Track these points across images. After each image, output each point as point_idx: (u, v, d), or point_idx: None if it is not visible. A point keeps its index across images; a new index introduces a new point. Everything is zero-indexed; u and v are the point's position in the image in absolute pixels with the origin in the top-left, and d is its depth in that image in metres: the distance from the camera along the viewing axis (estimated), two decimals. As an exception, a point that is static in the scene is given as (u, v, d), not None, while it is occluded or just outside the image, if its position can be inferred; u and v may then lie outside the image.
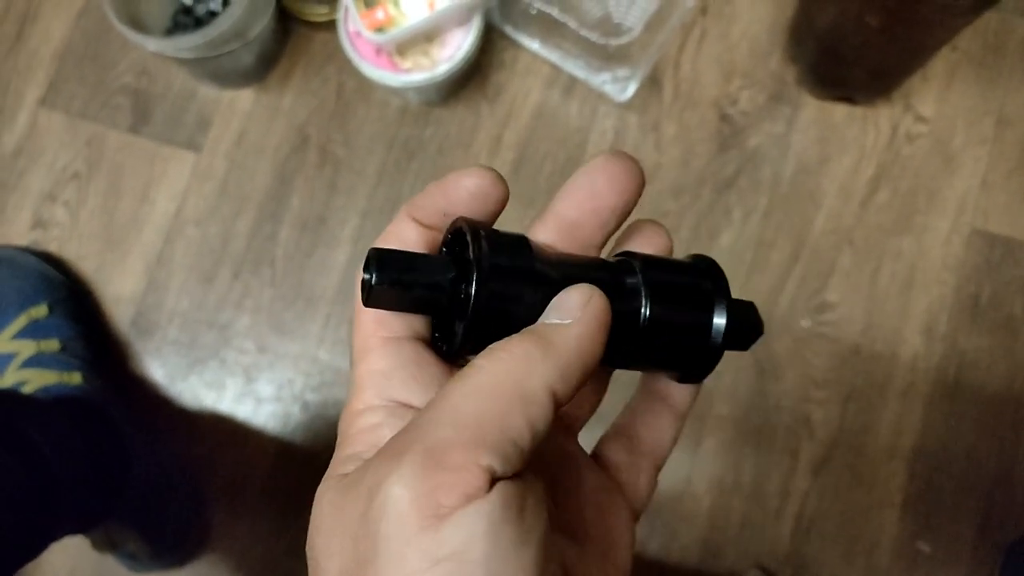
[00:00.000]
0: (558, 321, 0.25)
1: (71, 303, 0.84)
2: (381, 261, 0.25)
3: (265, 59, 0.88)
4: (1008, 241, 0.85)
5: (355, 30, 0.80)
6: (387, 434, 0.25)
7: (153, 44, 0.76)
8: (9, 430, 0.65)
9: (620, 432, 0.32)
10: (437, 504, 0.21)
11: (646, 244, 0.30)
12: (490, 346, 0.24)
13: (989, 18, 0.88)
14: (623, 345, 0.27)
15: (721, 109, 0.88)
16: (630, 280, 0.28)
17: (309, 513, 0.25)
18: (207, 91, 0.90)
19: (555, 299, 0.25)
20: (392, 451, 0.23)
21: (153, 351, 0.87)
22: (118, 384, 0.85)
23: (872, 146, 0.87)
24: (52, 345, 0.79)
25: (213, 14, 0.86)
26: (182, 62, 0.82)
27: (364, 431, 0.26)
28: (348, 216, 0.88)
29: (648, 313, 0.27)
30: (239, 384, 0.86)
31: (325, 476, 0.26)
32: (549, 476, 0.29)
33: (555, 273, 0.26)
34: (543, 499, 0.24)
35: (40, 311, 0.81)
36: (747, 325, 0.29)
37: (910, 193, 0.86)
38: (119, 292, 0.88)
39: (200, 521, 0.85)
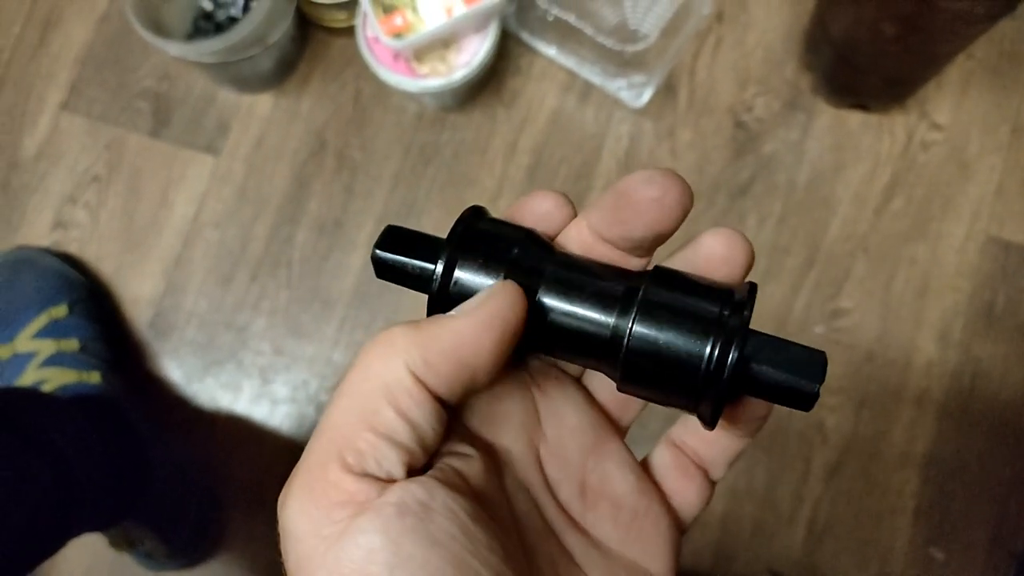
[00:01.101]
0: (454, 313, 0.24)
1: (90, 304, 0.85)
2: (388, 238, 0.27)
3: (284, 64, 0.89)
4: (1023, 249, 0.85)
5: (373, 35, 0.81)
6: None
7: (174, 48, 0.77)
8: (28, 428, 0.66)
9: (674, 440, 0.30)
10: (331, 521, 0.21)
11: (713, 254, 0.26)
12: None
13: (1005, 26, 0.88)
14: (608, 365, 0.26)
15: (736, 116, 0.88)
16: (627, 296, 0.25)
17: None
18: (226, 96, 0.91)
19: None
20: (289, 478, 0.23)
21: (171, 352, 0.88)
22: (136, 384, 0.86)
23: (887, 153, 0.87)
24: (71, 345, 0.80)
25: (233, 20, 0.87)
26: (202, 67, 0.83)
27: None
28: (364, 220, 0.88)
29: (631, 333, 0.24)
30: (255, 385, 0.87)
31: None
32: (576, 470, 0.28)
33: (537, 267, 0.26)
34: (465, 492, 0.23)
35: (60, 311, 0.82)
36: (783, 372, 0.24)
37: (925, 200, 0.86)
38: (138, 293, 0.89)
39: (216, 521, 0.85)
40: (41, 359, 0.79)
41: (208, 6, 0.88)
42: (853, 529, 0.82)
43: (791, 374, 0.24)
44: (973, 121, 0.87)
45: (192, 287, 0.89)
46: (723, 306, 0.24)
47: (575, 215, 0.28)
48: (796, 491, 0.83)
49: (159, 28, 0.81)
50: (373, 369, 0.23)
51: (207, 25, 0.88)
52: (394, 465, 0.22)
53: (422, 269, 0.26)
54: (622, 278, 0.26)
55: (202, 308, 0.88)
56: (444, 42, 0.81)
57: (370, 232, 0.88)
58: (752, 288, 0.25)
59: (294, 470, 0.23)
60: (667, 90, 0.88)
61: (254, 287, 0.88)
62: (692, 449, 0.29)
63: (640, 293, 0.24)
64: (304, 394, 0.86)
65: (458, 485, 0.23)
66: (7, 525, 0.58)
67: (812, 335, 0.84)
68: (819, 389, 0.23)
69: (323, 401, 0.86)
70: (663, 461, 0.30)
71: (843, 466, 0.83)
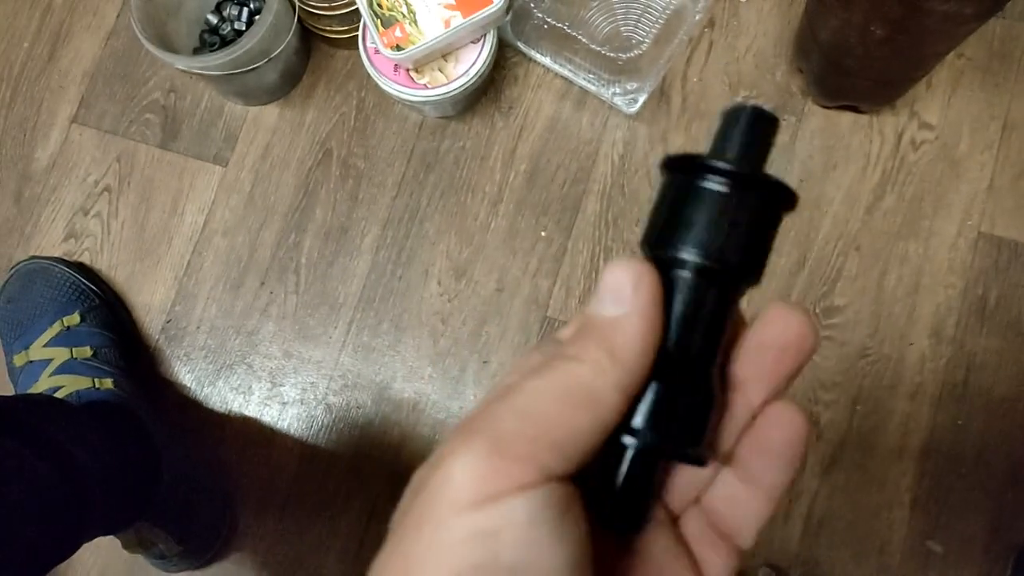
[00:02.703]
0: (613, 311, 0.25)
1: (103, 311, 0.87)
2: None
3: (288, 76, 0.91)
4: (1015, 244, 0.86)
5: (374, 48, 0.83)
6: None
7: (181, 62, 0.79)
8: (42, 434, 0.67)
9: (704, 506, 0.30)
10: (493, 488, 0.23)
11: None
12: (563, 347, 0.25)
13: (994, 25, 0.89)
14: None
15: (729, 119, 0.89)
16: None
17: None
18: (233, 107, 0.94)
19: (604, 278, 0.25)
20: (464, 432, 0.24)
21: (182, 357, 0.90)
22: (148, 389, 0.88)
23: (878, 153, 0.88)
24: (84, 352, 0.82)
25: (239, 33, 0.89)
26: (209, 79, 0.85)
27: None
28: (369, 226, 0.90)
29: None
30: (265, 388, 0.89)
31: None
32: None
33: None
34: (584, 511, 0.24)
35: (73, 319, 0.84)
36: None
37: (916, 199, 0.87)
38: (149, 300, 0.91)
39: (228, 521, 0.87)
40: (55, 366, 0.81)
41: (214, 20, 0.90)
42: (850, 523, 0.83)
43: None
44: (963, 119, 0.88)
45: (202, 294, 0.91)
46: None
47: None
48: (793, 486, 0.84)
49: (166, 42, 0.84)
50: (584, 385, 0.24)
51: (213, 39, 0.90)
52: (567, 468, 0.24)
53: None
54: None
55: (212, 314, 0.90)
56: (442, 53, 0.83)
57: (375, 237, 0.90)
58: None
59: (476, 427, 0.24)
60: (660, 96, 0.90)
61: (263, 292, 0.90)
62: (721, 515, 0.30)
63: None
64: (313, 396, 0.88)
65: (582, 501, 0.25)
66: (21, 530, 0.59)
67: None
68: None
69: (331, 402, 0.88)
70: (694, 528, 0.30)
71: (839, 461, 0.84)
